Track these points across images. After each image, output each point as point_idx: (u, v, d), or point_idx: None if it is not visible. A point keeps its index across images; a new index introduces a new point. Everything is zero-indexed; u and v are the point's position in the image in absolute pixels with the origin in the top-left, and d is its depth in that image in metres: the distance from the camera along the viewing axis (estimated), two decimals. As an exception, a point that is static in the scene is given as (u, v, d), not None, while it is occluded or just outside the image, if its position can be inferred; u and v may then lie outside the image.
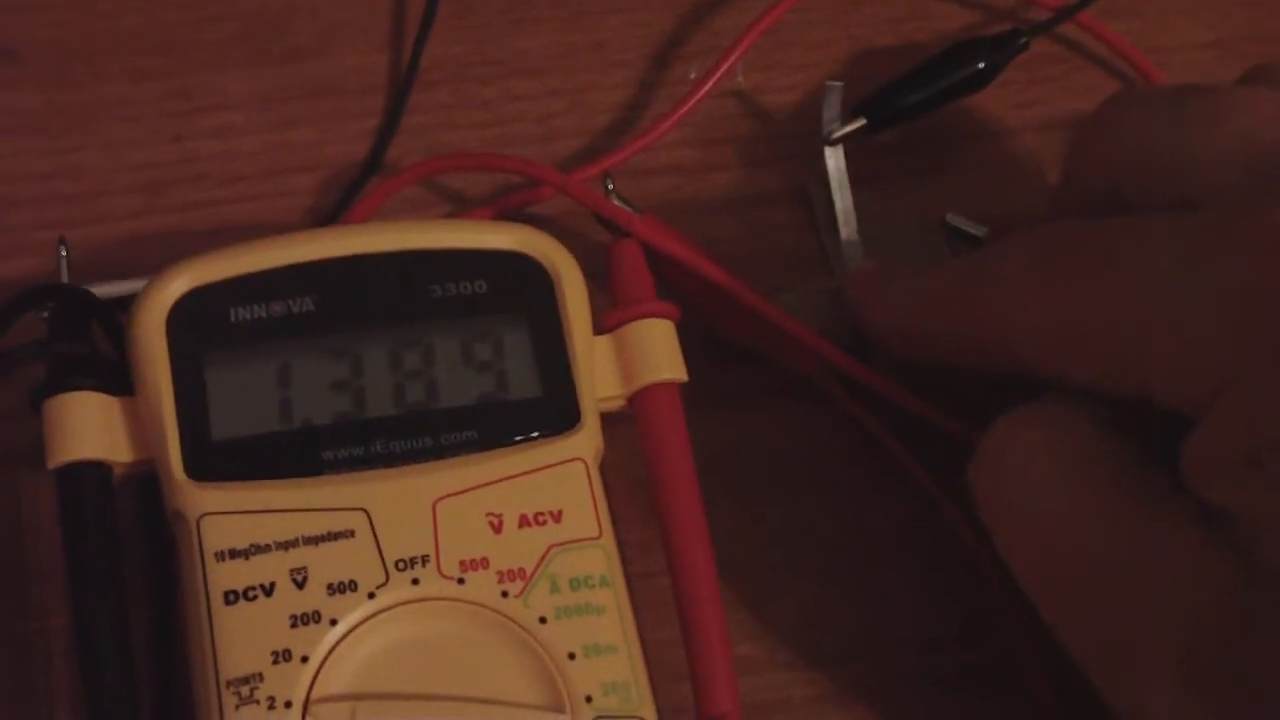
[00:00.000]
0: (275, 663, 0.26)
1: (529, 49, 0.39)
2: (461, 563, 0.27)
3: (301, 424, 0.29)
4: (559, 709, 0.27)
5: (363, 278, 0.30)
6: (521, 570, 0.28)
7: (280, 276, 0.30)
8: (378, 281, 0.30)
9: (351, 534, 0.27)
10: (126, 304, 0.29)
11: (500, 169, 0.36)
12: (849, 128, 0.36)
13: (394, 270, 0.30)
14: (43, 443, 0.28)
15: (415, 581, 0.27)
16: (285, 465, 0.28)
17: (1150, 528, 0.25)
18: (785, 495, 0.33)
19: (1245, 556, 0.24)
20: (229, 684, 0.26)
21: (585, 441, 0.29)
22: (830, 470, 0.33)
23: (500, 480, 0.28)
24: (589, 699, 0.27)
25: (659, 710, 0.27)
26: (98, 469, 0.28)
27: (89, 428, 0.28)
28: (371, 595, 0.27)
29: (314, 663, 0.26)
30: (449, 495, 0.28)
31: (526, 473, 0.29)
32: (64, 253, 0.32)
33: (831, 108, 0.36)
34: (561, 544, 0.28)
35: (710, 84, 0.36)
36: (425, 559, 0.27)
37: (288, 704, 0.26)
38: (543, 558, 0.28)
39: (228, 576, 0.27)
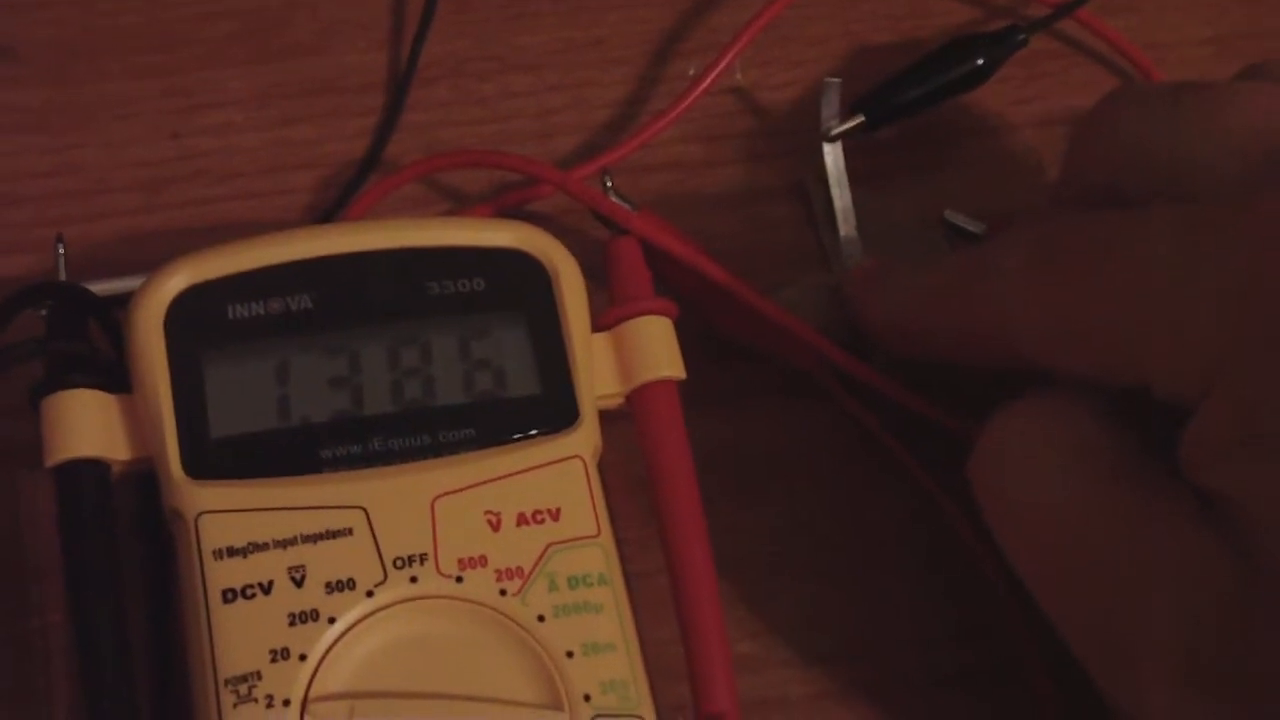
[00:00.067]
0: (273, 661, 0.26)
1: (528, 45, 0.39)
2: (460, 561, 0.27)
3: (300, 422, 0.28)
4: (557, 707, 0.27)
5: (361, 275, 0.30)
6: (520, 568, 0.28)
7: (279, 274, 0.29)
8: (376, 279, 0.30)
9: (350, 532, 0.27)
10: (125, 301, 0.29)
11: (498, 167, 0.35)
12: (848, 124, 0.36)
13: (392, 268, 0.30)
14: (41, 440, 0.28)
15: (413, 580, 0.27)
16: (283, 463, 0.28)
17: (1149, 520, 0.25)
18: (784, 493, 0.33)
19: (1244, 553, 0.24)
20: (227, 682, 0.26)
21: (583, 439, 0.29)
22: (829, 467, 0.33)
23: (498, 478, 0.28)
24: (587, 697, 0.27)
25: (657, 708, 0.27)
26: (96, 467, 0.28)
27: (87, 425, 0.28)
28: (370, 593, 0.27)
29: (312, 661, 0.26)
30: (447, 493, 0.28)
31: (525, 471, 0.29)
32: (62, 250, 0.31)
33: (830, 104, 0.36)
34: (560, 542, 0.28)
35: (709, 80, 0.36)
36: (423, 557, 0.27)
37: (286, 702, 0.26)
38: (541, 556, 0.28)
39: (226, 575, 0.27)
